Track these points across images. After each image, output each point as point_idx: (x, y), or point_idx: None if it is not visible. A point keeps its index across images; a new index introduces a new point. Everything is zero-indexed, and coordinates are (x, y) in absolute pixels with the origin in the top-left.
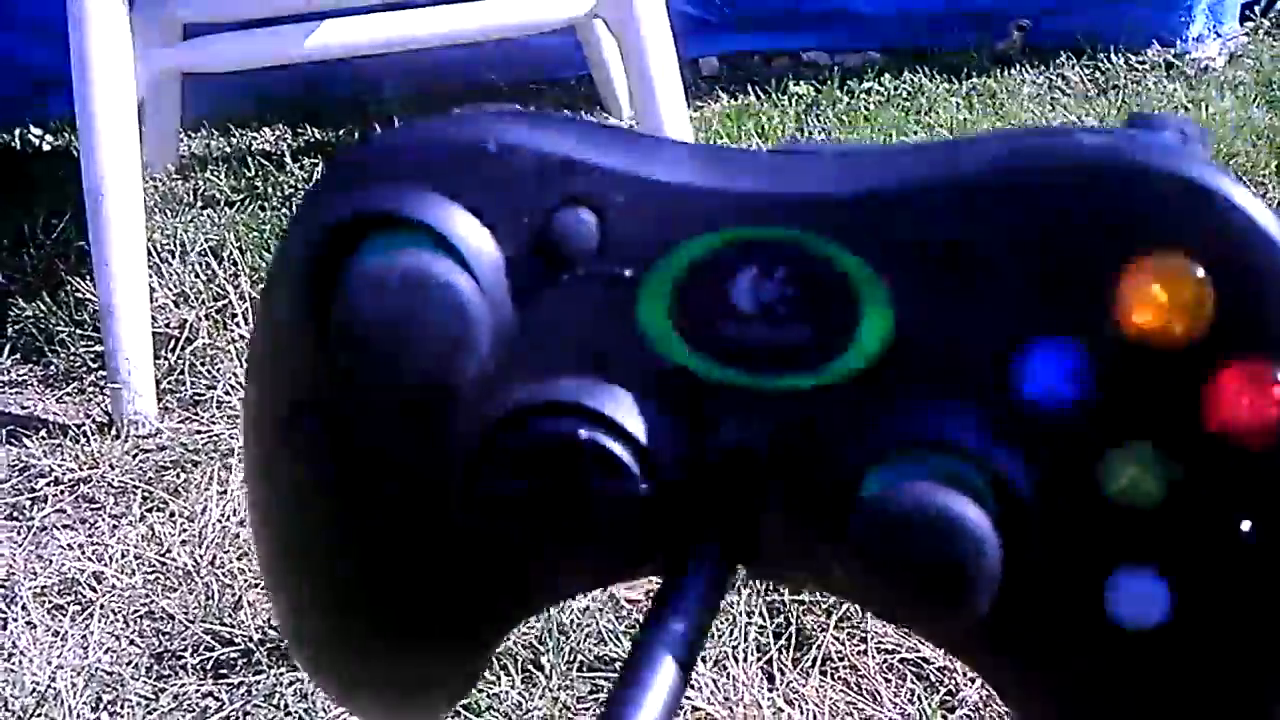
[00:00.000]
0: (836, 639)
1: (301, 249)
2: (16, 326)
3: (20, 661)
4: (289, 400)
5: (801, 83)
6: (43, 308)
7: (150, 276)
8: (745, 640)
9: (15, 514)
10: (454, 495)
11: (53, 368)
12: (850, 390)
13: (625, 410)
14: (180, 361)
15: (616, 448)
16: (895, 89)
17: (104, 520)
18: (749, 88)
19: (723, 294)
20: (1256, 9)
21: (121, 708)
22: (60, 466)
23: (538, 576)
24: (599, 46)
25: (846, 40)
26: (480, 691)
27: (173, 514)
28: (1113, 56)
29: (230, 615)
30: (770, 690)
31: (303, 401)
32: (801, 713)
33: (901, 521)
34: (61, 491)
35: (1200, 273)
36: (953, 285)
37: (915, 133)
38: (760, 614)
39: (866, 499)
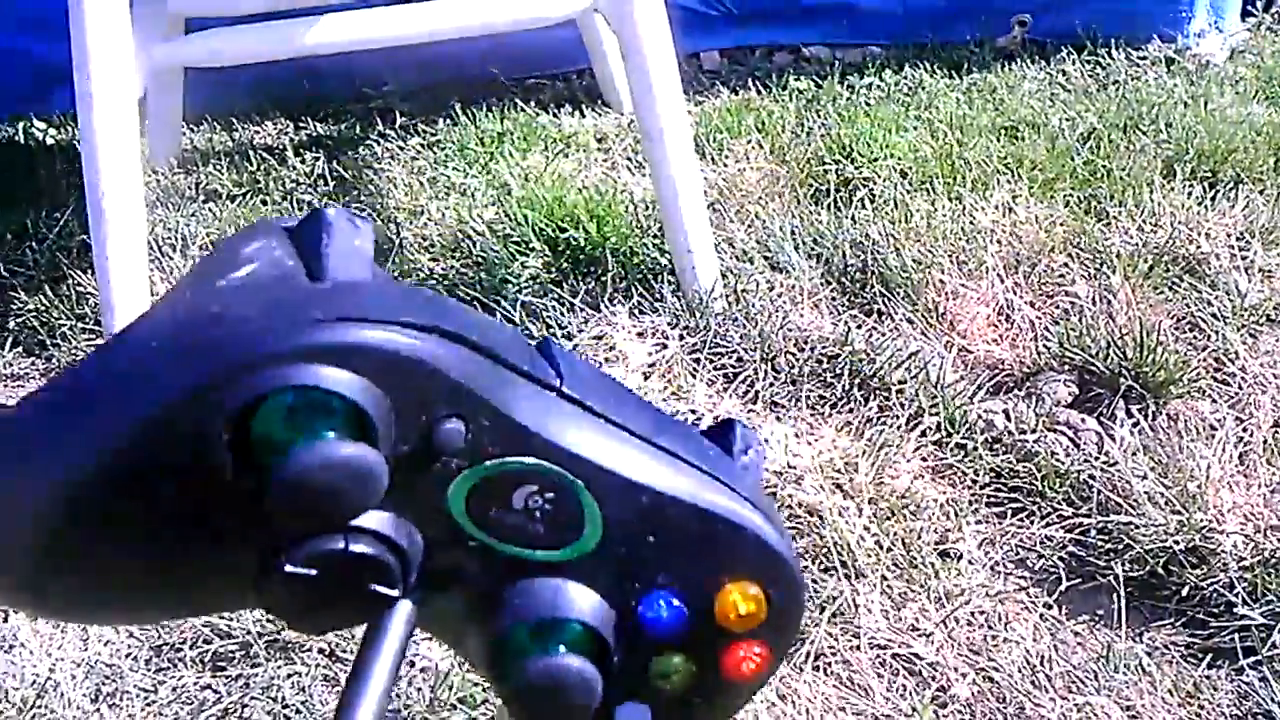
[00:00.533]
0: (829, 635)
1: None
2: (19, 320)
3: (20, 654)
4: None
5: (802, 78)
6: (44, 301)
7: (151, 270)
8: None
9: None
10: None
11: (54, 361)
12: (573, 568)
13: (408, 539)
14: None
15: (390, 558)
16: (896, 84)
17: None
18: (750, 82)
19: (507, 496)
20: (1258, 4)
21: (120, 700)
22: None
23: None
24: (599, 41)
25: (848, 35)
26: (475, 685)
27: None
28: (1114, 51)
29: None
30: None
31: (198, 495)
32: (794, 708)
33: (540, 682)
34: None
35: (756, 590)
36: (634, 538)
37: (914, 127)
38: None
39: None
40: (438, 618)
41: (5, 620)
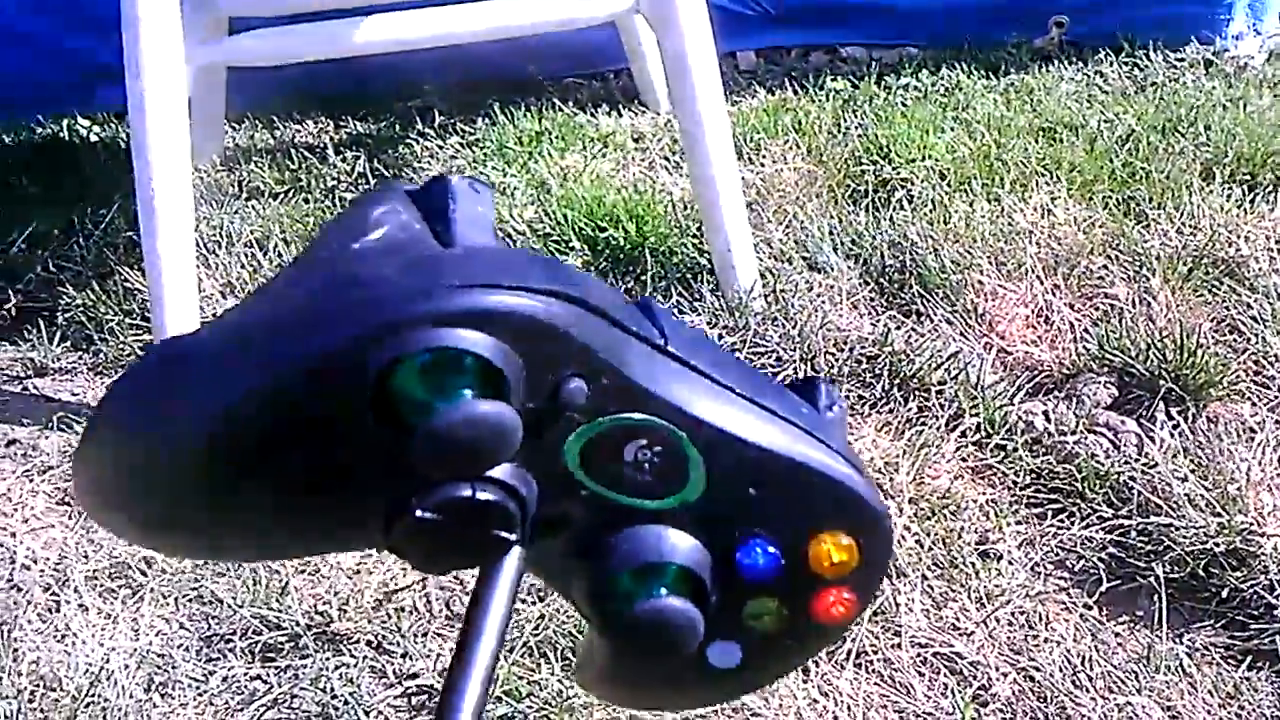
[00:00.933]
0: (870, 633)
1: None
2: (66, 315)
3: (74, 643)
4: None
5: (839, 78)
6: (91, 296)
7: (197, 267)
8: None
9: (67, 499)
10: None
11: (102, 356)
12: (675, 515)
13: (526, 488)
14: None
15: (511, 506)
16: (933, 85)
17: None
18: (786, 82)
19: (619, 449)
20: None
21: (173, 689)
22: None
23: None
24: (638, 40)
25: (884, 35)
26: (520, 679)
27: None
28: (1151, 54)
29: (277, 600)
30: (805, 683)
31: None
32: (836, 705)
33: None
34: None
35: (848, 540)
36: (736, 489)
37: (952, 128)
38: None
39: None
40: (544, 561)
41: (58, 610)
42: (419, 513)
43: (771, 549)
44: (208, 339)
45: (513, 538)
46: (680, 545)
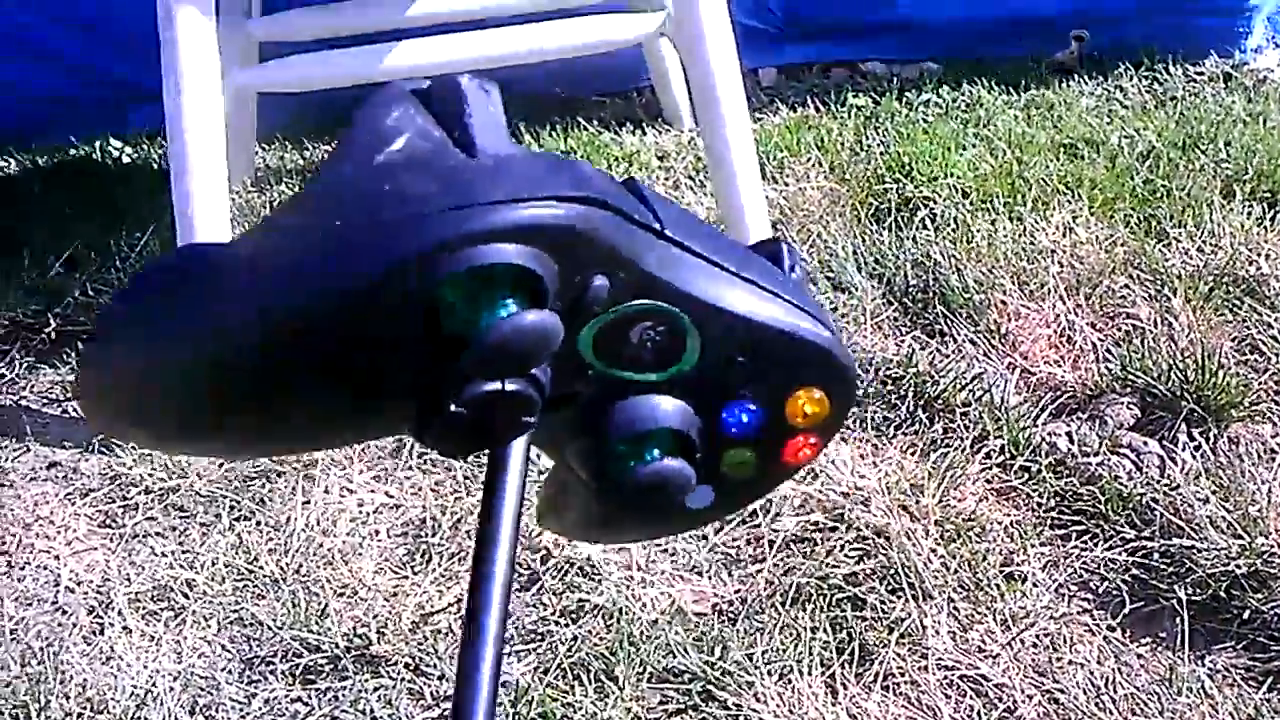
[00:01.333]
0: (897, 655)
1: (426, 278)
2: None
3: (118, 665)
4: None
5: (860, 94)
6: None
7: None
8: (809, 654)
9: (109, 521)
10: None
11: None
12: (669, 384)
13: (544, 374)
14: None
15: (533, 393)
16: (953, 100)
17: (194, 528)
18: (808, 99)
19: (625, 332)
20: None
21: (216, 711)
22: (150, 476)
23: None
24: (662, 59)
25: (905, 50)
26: (555, 700)
27: (259, 523)
28: (1171, 67)
29: (317, 622)
30: (833, 704)
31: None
32: None
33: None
34: (152, 500)
35: (820, 394)
36: (725, 358)
37: (973, 145)
38: (823, 629)
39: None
40: (544, 432)
41: (102, 632)
42: (453, 408)
43: (753, 407)
44: (243, 251)
45: (532, 420)
46: (673, 411)
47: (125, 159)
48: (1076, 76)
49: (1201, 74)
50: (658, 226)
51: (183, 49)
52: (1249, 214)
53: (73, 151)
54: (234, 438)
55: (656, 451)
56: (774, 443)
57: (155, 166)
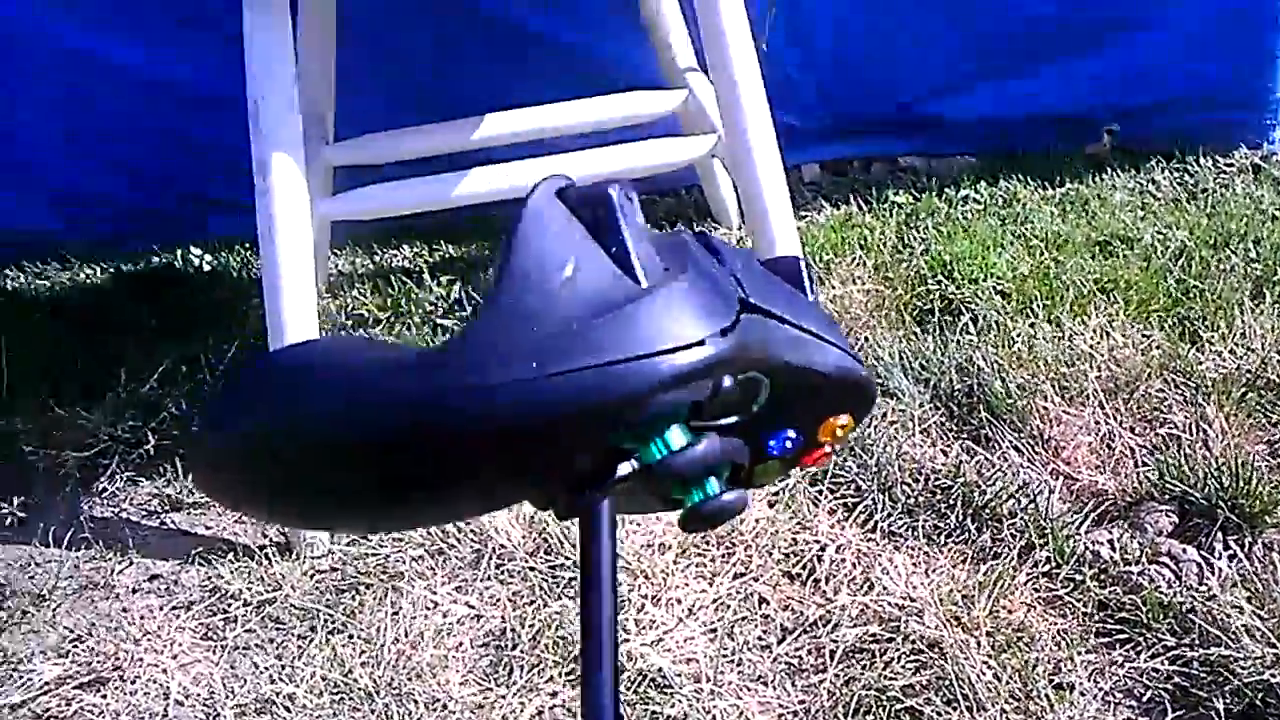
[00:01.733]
0: None
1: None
2: None
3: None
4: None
5: (900, 190)
6: None
7: None
8: None
9: (210, 634)
10: None
11: None
12: (726, 429)
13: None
14: None
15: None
16: (991, 196)
17: (291, 641)
18: (850, 196)
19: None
20: None
21: None
22: (249, 589)
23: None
24: (710, 163)
25: (936, 146)
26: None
27: (351, 636)
28: (1201, 159)
29: None
30: None
31: None
32: None
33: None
34: (250, 613)
35: (848, 419)
36: (785, 400)
37: (1012, 243)
38: None
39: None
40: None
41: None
42: (588, 494)
43: (794, 434)
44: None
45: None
46: (732, 449)
47: (206, 266)
48: (1109, 169)
49: (1231, 165)
50: (741, 294)
51: (277, 199)
52: (1279, 315)
53: (154, 259)
54: (368, 517)
55: (715, 485)
56: (801, 455)
57: (233, 274)
